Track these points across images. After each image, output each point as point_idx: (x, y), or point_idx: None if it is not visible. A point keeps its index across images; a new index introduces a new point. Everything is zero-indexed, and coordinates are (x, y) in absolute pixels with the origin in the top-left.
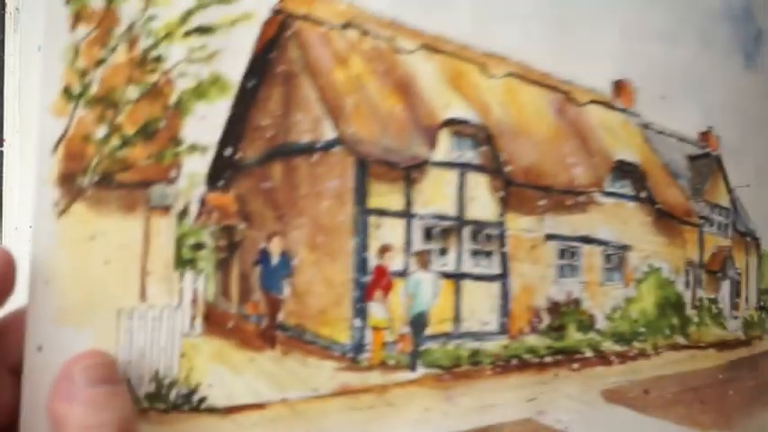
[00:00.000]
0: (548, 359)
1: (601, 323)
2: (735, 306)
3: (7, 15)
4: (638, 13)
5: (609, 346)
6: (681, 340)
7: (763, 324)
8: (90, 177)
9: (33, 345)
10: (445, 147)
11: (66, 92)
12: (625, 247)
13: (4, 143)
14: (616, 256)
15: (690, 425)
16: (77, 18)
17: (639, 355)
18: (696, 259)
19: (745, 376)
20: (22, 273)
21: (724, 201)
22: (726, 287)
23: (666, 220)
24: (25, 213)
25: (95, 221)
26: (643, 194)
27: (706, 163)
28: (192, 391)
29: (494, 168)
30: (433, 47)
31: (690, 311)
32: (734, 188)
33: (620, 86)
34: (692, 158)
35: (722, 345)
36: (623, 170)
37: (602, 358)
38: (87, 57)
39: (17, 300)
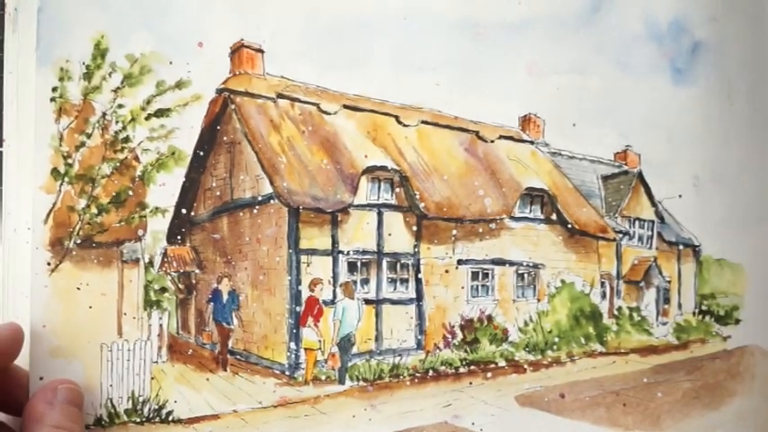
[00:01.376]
0: (462, 370)
1: (514, 335)
2: (663, 313)
3: (6, 16)
4: (544, 51)
5: (522, 355)
6: (598, 348)
7: (704, 328)
8: (74, 240)
9: (35, 375)
10: (365, 191)
11: (54, 172)
12: (537, 266)
13: (4, 143)
14: (528, 275)
15: (610, 425)
16: (60, 111)
17: (554, 363)
18: (614, 271)
19: (680, 378)
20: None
21: (647, 214)
22: (651, 295)
23: (579, 237)
24: (24, 214)
25: (80, 275)
26: (553, 216)
27: (624, 180)
28: (161, 407)
29: (408, 206)
30: (353, 106)
31: (607, 321)
32: (661, 200)
33: (526, 120)
34: (607, 178)
35: (647, 350)
36: (533, 196)
37: (516, 367)
38: (70, 142)
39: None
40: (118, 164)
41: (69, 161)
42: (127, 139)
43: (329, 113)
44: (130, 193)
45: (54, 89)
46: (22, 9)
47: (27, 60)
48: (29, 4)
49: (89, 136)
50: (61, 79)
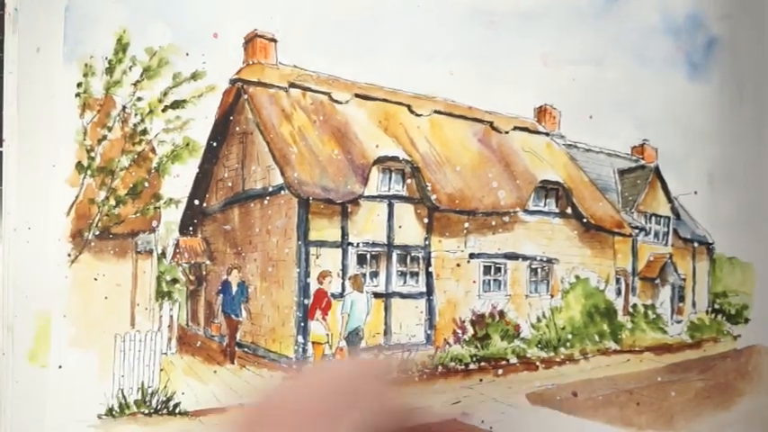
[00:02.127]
0: (472, 366)
1: (526, 332)
2: (678, 311)
3: (6, 16)
4: (560, 41)
5: (534, 352)
6: (612, 345)
7: (716, 327)
8: (93, 231)
9: (55, 365)
10: (376, 182)
11: (78, 166)
12: (551, 261)
13: (4, 143)
14: (542, 269)
15: (623, 425)
16: (84, 106)
17: (567, 361)
18: (629, 268)
19: (693, 378)
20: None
21: (663, 210)
22: (666, 293)
23: (594, 232)
24: (24, 214)
25: (97, 266)
26: (569, 210)
27: (641, 175)
28: (169, 399)
29: (419, 197)
30: (364, 95)
31: (622, 318)
32: (676, 197)
33: (542, 111)
34: (623, 172)
35: (661, 348)
36: (547, 189)
37: (528, 364)
38: (93, 136)
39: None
40: (136, 156)
41: (92, 154)
42: (145, 132)
43: (341, 102)
44: (146, 184)
45: (78, 85)
46: (22, 9)
47: (27, 60)
48: (29, 4)
49: (110, 129)
50: (85, 75)
